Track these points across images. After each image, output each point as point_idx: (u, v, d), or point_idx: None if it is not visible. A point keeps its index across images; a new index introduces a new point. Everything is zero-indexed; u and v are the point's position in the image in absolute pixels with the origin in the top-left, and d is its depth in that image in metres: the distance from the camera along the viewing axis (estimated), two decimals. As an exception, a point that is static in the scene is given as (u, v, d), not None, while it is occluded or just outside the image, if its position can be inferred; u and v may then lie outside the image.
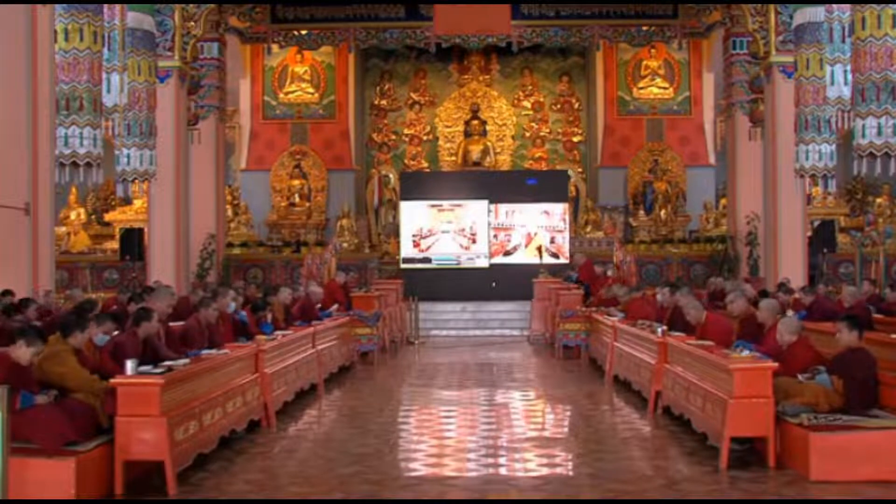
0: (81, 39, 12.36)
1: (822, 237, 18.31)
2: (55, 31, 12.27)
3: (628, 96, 24.41)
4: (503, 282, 20.12)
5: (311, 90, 24.52)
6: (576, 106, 25.31)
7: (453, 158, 25.03)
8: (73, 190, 22.56)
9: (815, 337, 9.02)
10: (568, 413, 10.01)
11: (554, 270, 18.83)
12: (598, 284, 16.03)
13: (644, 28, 21.05)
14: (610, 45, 22.85)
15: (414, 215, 20.88)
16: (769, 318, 8.63)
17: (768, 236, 18.18)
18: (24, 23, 11.57)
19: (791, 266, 17.11)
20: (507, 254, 20.79)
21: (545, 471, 7.22)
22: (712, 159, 24.19)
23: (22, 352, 6.37)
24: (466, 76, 25.46)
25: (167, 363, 7.12)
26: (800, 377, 7.35)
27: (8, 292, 10.56)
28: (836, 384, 7.14)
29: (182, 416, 6.69)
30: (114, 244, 21.19)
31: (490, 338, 18.00)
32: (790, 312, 11.36)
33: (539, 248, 19.75)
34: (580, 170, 24.69)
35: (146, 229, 18.20)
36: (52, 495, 5.89)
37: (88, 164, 12.43)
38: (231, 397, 7.86)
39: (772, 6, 17.29)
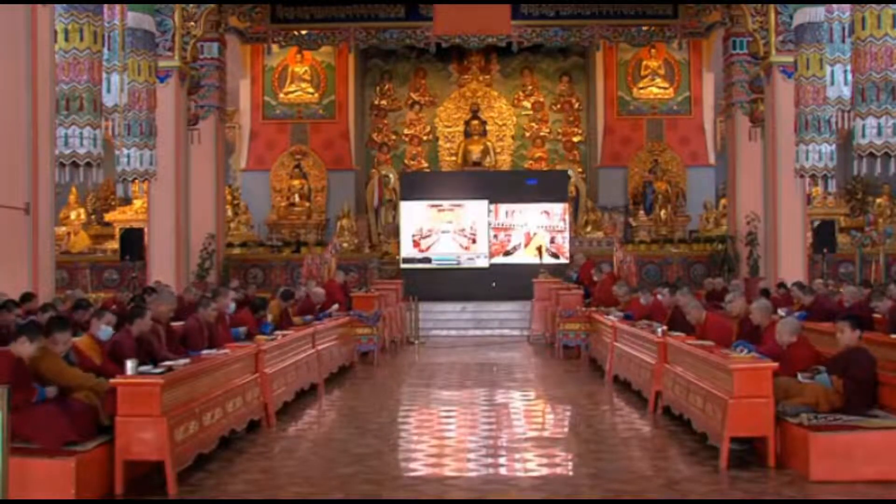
0: (81, 39, 12.33)
1: (822, 237, 18.29)
2: (55, 31, 12.25)
3: (628, 96, 24.42)
4: (503, 282, 20.10)
5: (311, 90, 24.52)
6: (576, 106, 25.29)
7: (453, 158, 25.02)
8: (73, 190, 22.58)
9: (814, 337, 9.03)
10: (568, 413, 10.02)
11: (554, 270, 18.82)
12: (599, 287, 15.98)
13: (644, 28, 21.04)
14: (610, 45, 22.84)
15: (414, 215, 20.87)
16: (763, 318, 8.62)
17: (768, 236, 18.18)
18: (24, 23, 11.55)
19: (791, 266, 17.10)
20: (507, 254, 20.77)
21: (545, 471, 7.21)
22: (712, 159, 24.19)
23: (24, 347, 6.40)
24: (466, 76, 25.45)
25: (167, 363, 7.13)
26: (800, 377, 7.36)
27: (30, 295, 10.47)
28: (836, 384, 7.15)
29: (182, 416, 6.70)
30: (114, 244, 21.19)
31: (490, 338, 17.98)
32: (782, 311, 11.39)
33: (539, 248, 19.71)
34: (580, 170, 24.67)
35: (146, 229, 18.20)
36: (52, 495, 5.89)
37: (88, 164, 12.40)
38: (231, 397, 7.87)
39: (772, 6, 17.28)
